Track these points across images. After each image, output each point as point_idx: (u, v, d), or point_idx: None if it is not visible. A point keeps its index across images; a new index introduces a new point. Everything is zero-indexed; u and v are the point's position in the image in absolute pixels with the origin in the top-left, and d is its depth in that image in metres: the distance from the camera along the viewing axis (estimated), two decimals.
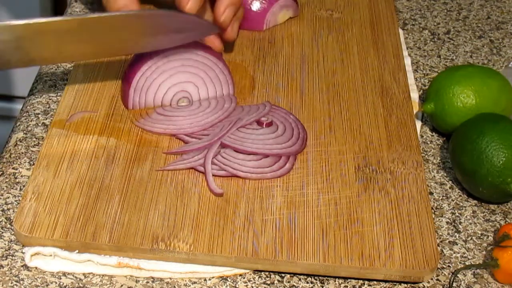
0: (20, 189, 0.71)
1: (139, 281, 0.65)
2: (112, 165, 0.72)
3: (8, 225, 0.68)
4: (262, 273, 0.67)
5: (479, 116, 0.76)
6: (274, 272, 0.67)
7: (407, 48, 0.94)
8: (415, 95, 0.86)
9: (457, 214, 0.74)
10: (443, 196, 0.76)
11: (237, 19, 0.82)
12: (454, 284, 0.68)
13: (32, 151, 0.75)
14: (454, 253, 0.70)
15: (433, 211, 0.74)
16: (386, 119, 0.80)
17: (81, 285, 0.64)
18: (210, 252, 0.65)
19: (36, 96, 0.81)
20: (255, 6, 0.90)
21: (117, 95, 0.79)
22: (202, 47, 0.78)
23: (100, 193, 0.69)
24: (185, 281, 0.65)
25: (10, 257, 0.65)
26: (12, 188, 0.71)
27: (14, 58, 0.72)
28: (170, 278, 0.66)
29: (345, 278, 0.67)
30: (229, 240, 0.66)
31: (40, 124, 0.77)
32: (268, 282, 0.66)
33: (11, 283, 0.63)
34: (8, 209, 0.69)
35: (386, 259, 0.66)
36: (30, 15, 1.72)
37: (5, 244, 0.66)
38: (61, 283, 0.64)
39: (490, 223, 0.74)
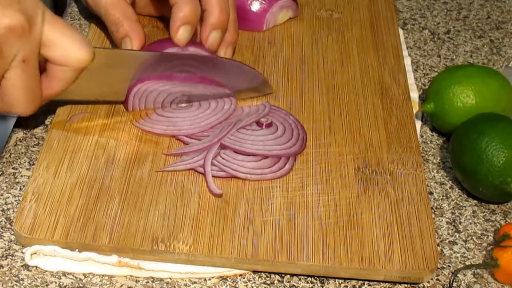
0: (20, 189, 0.71)
1: (139, 281, 0.65)
2: (112, 166, 0.72)
3: (8, 225, 0.68)
4: (262, 273, 0.67)
5: (479, 116, 0.76)
6: (274, 272, 0.67)
7: (407, 48, 0.94)
8: (415, 95, 0.86)
9: (457, 214, 0.74)
10: (443, 196, 0.76)
11: (229, 44, 0.81)
12: (454, 284, 0.68)
13: (32, 151, 0.75)
14: (454, 253, 0.70)
15: (433, 211, 0.74)
16: (386, 120, 0.80)
17: (81, 285, 0.64)
18: (209, 253, 0.65)
19: None
20: (255, 7, 0.90)
21: None
22: (203, 47, 0.78)
23: (100, 194, 0.69)
24: (185, 281, 0.66)
25: (10, 257, 0.66)
26: (12, 188, 0.71)
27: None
28: (170, 278, 0.66)
29: (345, 279, 0.67)
30: (229, 241, 0.66)
31: (40, 124, 0.77)
32: (268, 282, 0.66)
33: (11, 283, 0.63)
34: (8, 209, 0.69)
35: (386, 260, 0.66)
36: None
37: (5, 244, 0.66)
38: (61, 283, 0.64)
39: (490, 223, 0.74)
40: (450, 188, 0.77)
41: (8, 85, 0.66)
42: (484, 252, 0.71)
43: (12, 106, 0.68)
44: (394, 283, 0.67)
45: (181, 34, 0.76)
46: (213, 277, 0.66)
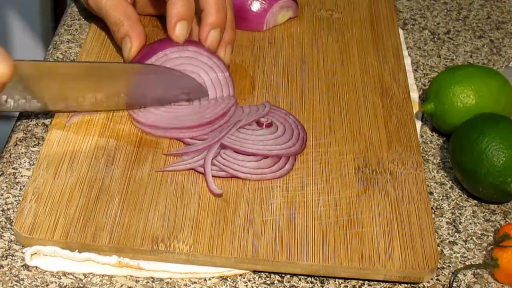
0: (20, 189, 0.71)
1: (139, 281, 0.65)
2: (112, 166, 0.72)
3: (8, 225, 0.68)
4: (262, 273, 0.67)
5: (479, 116, 0.76)
6: (274, 272, 0.67)
7: (407, 48, 0.94)
8: (415, 95, 0.86)
9: (457, 214, 0.74)
10: (443, 196, 0.76)
11: (228, 44, 0.81)
12: (454, 284, 0.68)
13: (32, 151, 0.75)
14: (454, 253, 0.70)
15: (433, 211, 0.74)
16: (386, 120, 0.80)
17: (81, 285, 0.64)
18: (210, 253, 0.65)
19: None
20: (255, 7, 0.90)
21: None
22: (203, 47, 0.78)
23: (100, 194, 0.69)
24: (185, 281, 0.66)
25: (10, 257, 0.65)
26: (12, 188, 0.71)
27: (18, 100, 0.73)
28: (170, 278, 0.66)
29: (345, 279, 0.67)
30: (229, 241, 0.66)
31: (40, 124, 0.77)
32: (268, 282, 0.66)
33: (11, 283, 0.63)
34: (8, 209, 0.69)
35: (386, 259, 0.66)
36: (29, 15, 1.72)
37: (5, 244, 0.66)
38: (61, 283, 0.64)
39: (490, 223, 0.74)
40: (450, 188, 0.77)
41: None
42: (484, 252, 0.71)
43: None
44: (394, 283, 0.67)
45: (178, 30, 0.76)
46: (213, 277, 0.66)
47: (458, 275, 0.68)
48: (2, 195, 0.70)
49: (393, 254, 0.66)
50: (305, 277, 0.67)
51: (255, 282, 0.66)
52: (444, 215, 0.74)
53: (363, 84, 0.84)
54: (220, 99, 0.79)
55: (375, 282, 0.67)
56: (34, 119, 0.78)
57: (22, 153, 0.74)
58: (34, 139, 0.76)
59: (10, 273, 0.64)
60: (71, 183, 0.70)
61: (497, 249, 0.68)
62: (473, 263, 0.70)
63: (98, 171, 0.71)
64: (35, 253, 0.65)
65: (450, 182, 0.77)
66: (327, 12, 0.96)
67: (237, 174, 0.72)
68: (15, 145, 0.75)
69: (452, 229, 0.73)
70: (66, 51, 0.87)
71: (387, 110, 0.81)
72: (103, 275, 0.65)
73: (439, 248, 0.70)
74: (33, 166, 0.72)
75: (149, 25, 0.89)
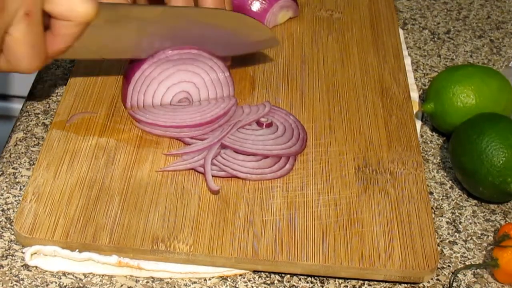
0: (20, 189, 0.71)
1: (139, 281, 0.65)
2: (112, 166, 0.72)
3: (8, 225, 0.68)
4: (262, 273, 0.67)
5: (479, 116, 0.76)
6: (274, 272, 0.67)
7: (407, 48, 0.94)
8: (415, 95, 0.86)
9: (457, 214, 0.74)
10: (443, 196, 0.76)
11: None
12: (454, 284, 0.68)
13: (32, 151, 0.75)
14: (454, 253, 0.70)
15: (433, 211, 0.74)
16: (386, 120, 0.80)
17: (81, 285, 0.64)
18: (210, 253, 0.65)
19: (36, 96, 0.81)
20: (255, 7, 0.90)
21: (117, 96, 0.79)
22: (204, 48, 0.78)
23: (100, 194, 0.69)
24: (185, 281, 0.66)
25: (10, 257, 0.66)
26: (12, 188, 0.71)
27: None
28: (170, 278, 0.66)
29: (345, 278, 0.67)
30: (229, 241, 0.66)
31: (40, 124, 0.77)
32: (268, 282, 0.66)
33: (11, 283, 0.63)
34: (8, 209, 0.69)
35: (386, 259, 0.66)
36: None
37: (5, 244, 0.66)
38: (61, 283, 0.64)
39: (490, 223, 0.74)
40: (450, 188, 0.77)
41: (12, 41, 0.64)
42: (484, 252, 0.71)
43: (16, 63, 0.66)
44: (394, 283, 0.67)
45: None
46: (213, 277, 0.66)
47: (458, 275, 0.69)
48: (2, 195, 0.70)
49: (393, 254, 0.66)
50: (305, 277, 0.67)
51: (255, 282, 0.66)
52: (444, 215, 0.74)
53: (363, 84, 0.84)
54: (220, 99, 0.79)
55: (375, 282, 0.67)
56: (34, 119, 0.78)
57: (22, 153, 0.74)
58: (34, 139, 0.76)
59: (10, 273, 0.64)
60: (71, 183, 0.70)
61: (497, 249, 0.68)
62: (473, 263, 0.70)
63: (98, 171, 0.71)
64: (35, 253, 0.65)
65: (450, 182, 0.77)
66: (327, 12, 0.96)
67: (237, 174, 0.72)
68: (15, 145, 0.75)
69: (452, 229, 0.73)
70: None
71: (387, 110, 0.81)
72: (103, 275, 0.65)
73: (439, 248, 0.71)
74: (33, 166, 0.72)
75: None
